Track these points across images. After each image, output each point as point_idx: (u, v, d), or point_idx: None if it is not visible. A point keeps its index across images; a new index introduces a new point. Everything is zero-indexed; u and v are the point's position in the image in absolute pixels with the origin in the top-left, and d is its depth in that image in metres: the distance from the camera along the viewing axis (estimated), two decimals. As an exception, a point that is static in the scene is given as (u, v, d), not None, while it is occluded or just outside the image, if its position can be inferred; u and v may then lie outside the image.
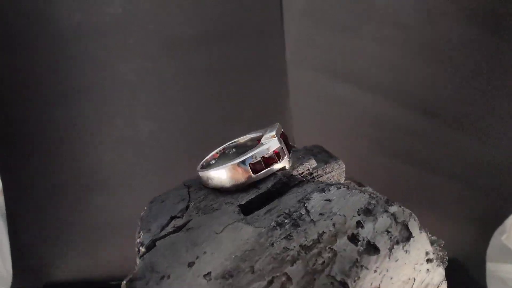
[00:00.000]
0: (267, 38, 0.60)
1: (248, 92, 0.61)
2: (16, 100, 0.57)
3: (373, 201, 0.25)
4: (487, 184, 0.61)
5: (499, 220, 0.61)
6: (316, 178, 0.30)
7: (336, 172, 0.31)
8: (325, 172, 0.30)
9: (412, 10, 0.57)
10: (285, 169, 0.29)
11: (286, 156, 0.29)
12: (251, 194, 0.27)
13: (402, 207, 0.25)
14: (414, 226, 0.25)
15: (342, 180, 0.31)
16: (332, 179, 0.31)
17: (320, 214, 0.25)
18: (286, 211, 0.25)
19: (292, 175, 0.29)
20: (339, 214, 0.25)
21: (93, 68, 0.57)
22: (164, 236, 0.26)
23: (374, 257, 0.23)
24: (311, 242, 0.23)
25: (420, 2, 0.57)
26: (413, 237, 0.24)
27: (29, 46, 0.55)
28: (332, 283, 0.22)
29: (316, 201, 0.26)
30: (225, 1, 0.59)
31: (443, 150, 0.61)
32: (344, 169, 0.31)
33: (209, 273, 0.22)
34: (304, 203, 0.26)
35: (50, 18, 0.55)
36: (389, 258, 0.23)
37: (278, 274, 0.22)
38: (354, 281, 0.22)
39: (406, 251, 0.24)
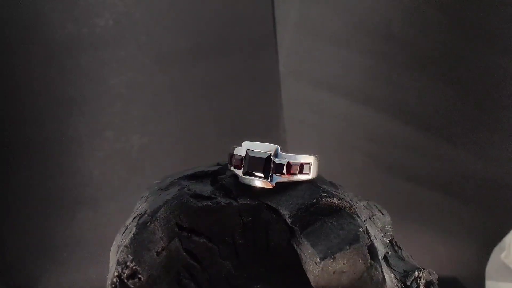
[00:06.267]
0: (260, 51, 0.60)
1: (241, 105, 0.61)
2: (3, 112, 0.56)
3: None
4: (485, 200, 0.60)
5: (498, 237, 0.59)
6: None
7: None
8: None
9: (406, 23, 0.57)
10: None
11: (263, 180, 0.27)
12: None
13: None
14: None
15: None
16: None
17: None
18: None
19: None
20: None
21: (84, 80, 0.57)
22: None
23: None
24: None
25: (413, 15, 0.57)
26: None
27: (18, 58, 0.55)
28: None
29: None
30: (218, 14, 0.59)
31: (440, 165, 0.60)
32: None
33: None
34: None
35: (40, 29, 0.55)
36: None
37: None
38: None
39: None
